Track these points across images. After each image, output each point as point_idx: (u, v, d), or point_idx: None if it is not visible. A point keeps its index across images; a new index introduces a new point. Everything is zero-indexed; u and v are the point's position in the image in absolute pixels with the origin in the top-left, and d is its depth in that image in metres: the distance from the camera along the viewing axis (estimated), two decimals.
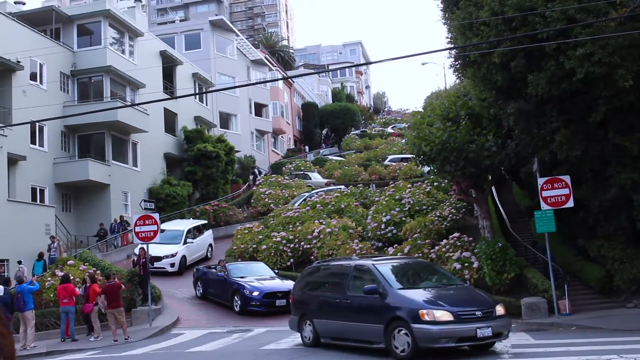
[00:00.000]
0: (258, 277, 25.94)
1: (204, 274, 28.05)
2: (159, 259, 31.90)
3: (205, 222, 39.25)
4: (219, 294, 26.58)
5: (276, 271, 27.85)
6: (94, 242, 35.37)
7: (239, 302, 24.79)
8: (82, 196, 38.44)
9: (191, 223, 37.26)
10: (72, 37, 40.02)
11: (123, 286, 22.63)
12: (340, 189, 41.60)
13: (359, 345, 15.22)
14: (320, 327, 16.37)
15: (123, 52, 42.08)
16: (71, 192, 38.03)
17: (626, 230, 21.81)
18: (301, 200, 40.69)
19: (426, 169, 42.88)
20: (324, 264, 18.75)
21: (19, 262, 28.33)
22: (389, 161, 54.91)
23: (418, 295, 14.48)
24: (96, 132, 39.17)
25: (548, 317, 20.87)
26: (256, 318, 23.82)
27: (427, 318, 13.38)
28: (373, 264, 15.75)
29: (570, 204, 21.40)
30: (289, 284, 24.15)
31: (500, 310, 14.41)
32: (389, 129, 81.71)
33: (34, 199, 34.51)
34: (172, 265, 32.94)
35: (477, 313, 13.92)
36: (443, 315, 13.50)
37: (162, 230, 31.01)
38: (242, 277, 25.65)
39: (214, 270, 27.53)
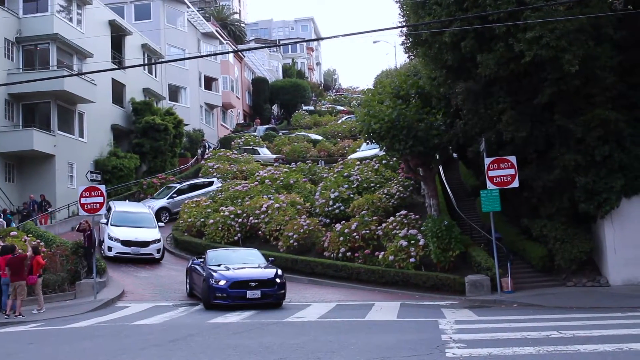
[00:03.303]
0: (242, 265, 21.29)
1: (192, 263, 23.45)
2: (145, 244, 29.72)
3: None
4: (197, 287, 21.90)
5: (271, 259, 23.35)
6: (37, 214, 34.69)
7: (204, 293, 20.33)
8: (26, 166, 37.64)
9: (145, 206, 35.84)
10: (18, 3, 38.85)
11: (29, 253, 21.51)
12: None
13: None
14: None
15: (71, 20, 41.13)
16: (15, 161, 37.21)
17: (568, 211, 22.34)
18: (172, 192, 39.51)
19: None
20: None
21: None
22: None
23: None
24: (41, 101, 38.27)
25: (491, 294, 21.35)
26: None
27: None
28: None
29: (516, 184, 21.84)
30: (269, 272, 20.42)
31: None
32: (340, 107, 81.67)
33: None
34: (159, 251, 30.24)
35: None
36: None
37: (108, 210, 30.28)
38: (218, 265, 21.04)
39: (199, 260, 22.79)
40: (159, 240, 30.31)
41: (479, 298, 21.09)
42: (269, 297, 19.85)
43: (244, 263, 21.66)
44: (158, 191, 41.60)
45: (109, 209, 30.99)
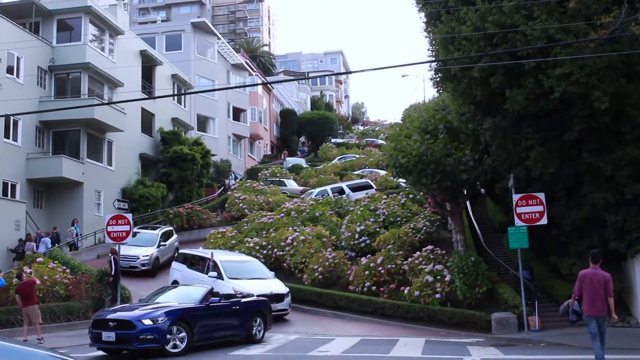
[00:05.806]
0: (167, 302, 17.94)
1: None
2: (280, 298, 24.63)
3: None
4: None
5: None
6: (65, 240, 34.93)
7: None
8: (54, 193, 38.00)
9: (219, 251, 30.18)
10: (52, 32, 39.60)
11: (38, 281, 22.27)
12: None
13: None
14: None
15: (103, 49, 41.75)
16: (43, 188, 37.58)
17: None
18: (159, 239, 34.94)
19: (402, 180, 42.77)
20: None
21: None
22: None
23: None
24: (72, 129, 38.77)
25: (518, 332, 21.02)
26: None
27: None
28: None
29: (544, 221, 21.54)
30: (137, 314, 16.60)
31: None
32: (379, 141, 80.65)
33: (4, 193, 33.98)
34: (290, 305, 25.59)
35: None
36: None
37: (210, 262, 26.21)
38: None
39: None
40: (289, 294, 25.46)
41: (506, 336, 20.75)
42: (127, 342, 16.15)
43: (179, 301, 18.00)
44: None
45: (203, 260, 27.20)
